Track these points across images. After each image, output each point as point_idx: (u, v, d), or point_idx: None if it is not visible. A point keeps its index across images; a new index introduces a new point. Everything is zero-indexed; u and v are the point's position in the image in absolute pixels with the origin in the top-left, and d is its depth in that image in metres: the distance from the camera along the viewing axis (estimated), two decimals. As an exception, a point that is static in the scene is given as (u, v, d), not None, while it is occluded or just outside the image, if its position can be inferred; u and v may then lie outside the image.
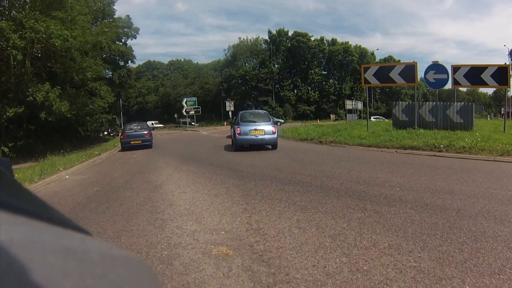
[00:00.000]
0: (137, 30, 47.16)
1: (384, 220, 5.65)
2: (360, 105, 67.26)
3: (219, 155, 16.79)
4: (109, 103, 33.02)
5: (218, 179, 9.82)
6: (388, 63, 23.65)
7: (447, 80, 22.39)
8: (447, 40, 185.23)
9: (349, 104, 59.96)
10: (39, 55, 23.25)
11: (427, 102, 22.51)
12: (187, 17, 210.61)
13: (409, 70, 22.39)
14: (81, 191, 9.65)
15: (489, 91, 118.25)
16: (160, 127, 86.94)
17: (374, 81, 23.51)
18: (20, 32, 19.71)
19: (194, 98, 65.65)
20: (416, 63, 22.50)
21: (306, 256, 4.28)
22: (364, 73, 23.64)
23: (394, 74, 22.55)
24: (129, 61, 47.51)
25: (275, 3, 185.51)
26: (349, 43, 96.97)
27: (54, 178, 12.62)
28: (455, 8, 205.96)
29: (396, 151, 16.08)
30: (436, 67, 22.50)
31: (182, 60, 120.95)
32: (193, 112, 61.35)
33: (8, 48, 19.60)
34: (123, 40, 45.22)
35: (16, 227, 0.39)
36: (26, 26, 19.56)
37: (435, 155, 14.36)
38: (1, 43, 19.23)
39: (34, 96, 20.29)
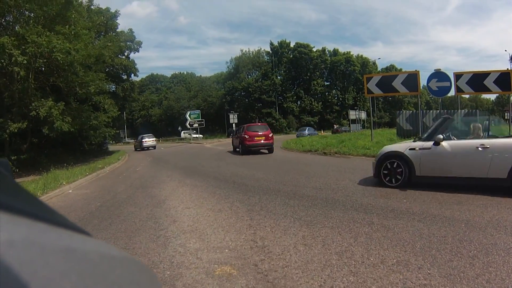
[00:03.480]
0: (139, 43, 47.38)
1: (391, 234, 5.52)
2: (363, 115, 66.95)
3: (223, 168, 16.64)
4: (112, 117, 32.84)
5: (222, 193, 9.69)
6: (391, 72, 23.25)
7: (450, 87, 22.25)
8: (448, 47, 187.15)
9: (352, 114, 59.80)
10: (43, 69, 23.16)
11: (431, 111, 22.36)
12: (190, 30, 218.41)
13: (412, 79, 22.32)
14: (84, 206, 9.52)
15: (492, 96, 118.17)
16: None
17: (377, 91, 23.42)
18: (23, 47, 19.69)
19: (198, 111, 65.78)
20: (419, 71, 22.40)
21: (312, 276, 4.13)
22: (367, 83, 23.57)
23: (397, 83, 22.47)
24: (132, 75, 47.52)
25: (277, 15, 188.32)
26: (351, 53, 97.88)
27: (57, 193, 12.48)
28: (456, 15, 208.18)
29: (401, 162, 15.94)
30: (439, 75, 22.38)
31: (185, 73, 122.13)
32: (196, 125, 61.32)
33: (10, 66, 19.56)
34: (126, 54, 45.38)
35: (17, 228, 0.39)
36: (28, 41, 19.54)
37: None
38: (2, 60, 19.16)
39: (37, 111, 20.24)
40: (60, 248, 0.41)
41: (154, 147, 44.50)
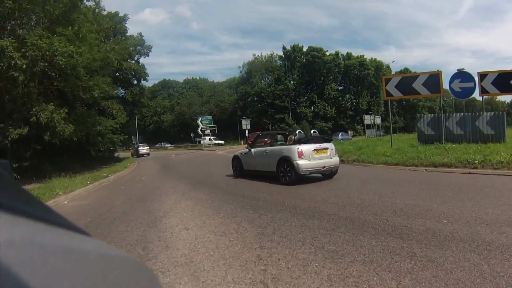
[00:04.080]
0: (149, 47, 46.55)
1: (443, 273, 4.14)
2: (378, 120, 65.23)
3: (233, 178, 15.48)
4: (121, 123, 31.83)
5: (229, 210, 8.46)
6: (411, 73, 21.65)
7: (473, 88, 20.87)
8: (462, 50, 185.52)
9: (367, 119, 58.17)
10: (49, 73, 22.16)
11: (454, 114, 20.91)
12: (202, 36, 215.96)
13: (434, 79, 20.87)
14: (73, 221, 8.24)
15: (507, 98, 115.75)
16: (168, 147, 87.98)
17: (396, 93, 22.03)
18: (23, 50, 18.72)
19: (210, 117, 64.70)
20: (441, 72, 20.94)
21: None
22: (386, 85, 22.21)
23: (418, 85, 21.09)
24: (142, 79, 46.71)
25: (289, 20, 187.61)
26: (364, 56, 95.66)
27: (51, 204, 11.42)
28: (468, 17, 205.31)
29: (426, 170, 14.63)
30: (462, 75, 20.97)
31: (198, 78, 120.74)
32: (208, 131, 60.26)
33: (10, 70, 18.60)
34: (135, 58, 44.67)
35: (16, 228, 0.39)
36: (28, 44, 18.53)
37: (470, 173, 12.92)
38: (1, 63, 18.15)
39: (38, 116, 19.17)
40: (59, 248, 0.42)
41: (148, 154, 51.60)
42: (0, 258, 0.34)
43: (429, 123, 21.44)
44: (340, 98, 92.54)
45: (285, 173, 12.75)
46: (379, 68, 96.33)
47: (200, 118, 63.07)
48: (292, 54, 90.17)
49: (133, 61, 42.62)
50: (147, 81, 49.69)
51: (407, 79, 22.09)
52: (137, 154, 49.67)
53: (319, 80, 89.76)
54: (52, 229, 0.46)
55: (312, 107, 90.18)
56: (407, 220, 6.53)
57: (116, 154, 44.43)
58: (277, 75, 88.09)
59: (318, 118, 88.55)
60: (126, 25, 40.28)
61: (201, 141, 67.82)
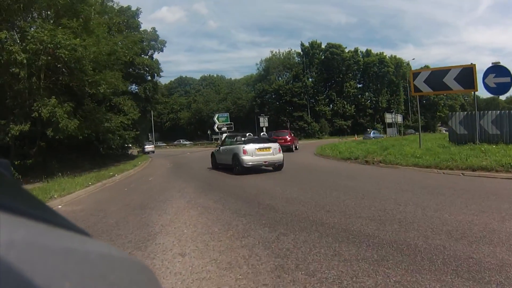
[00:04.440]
0: (163, 43, 45.22)
1: None
2: (399, 118, 63.06)
3: (248, 180, 13.95)
4: (133, 119, 30.61)
5: (240, 225, 6.86)
6: (441, 67, 19.63)
7: (510, 84, 18.95)
8: (481, 48, 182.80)
9: (388, 118, 56.05)
10: (55, 66, 20.85)
11: (490, 112, 19.07)
12: (220, 33, 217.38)
13: (467, 73, 19.00)
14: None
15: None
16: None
17: (425, 89, 20.25)
18: (24, 44, 17.52)
19: (226, 114, 63.13)
20: (475, 65, 19.06)
21: None
22: (414, 80, 20.44)
23: (449, 80, 19.27)
24: (156, 75, 45.51)
25: (307, 18, 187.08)
26: (384, 54, 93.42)
27: (43, 209, 9.93)
28: (488, 15, 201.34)
29: (463, 174, 12.95)
30: (497, 69, 18.98)
31: (215, 75, 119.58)
32: (225, 128, 58.71)
33: (11, 66, 17.41)
34: (149, 53, 43.47)
35: (17, 229, 0.39)
36: (28, 37, 17.29)
37: (515, 178, 11.18)
38: (0, 56, 16.94)
39: (39, 111, 17.87)
40: (60, 248, 0.42)
41: (153, 151, 55.50)
42: (0, 259, 0.34)
43: (461, 121, 19.66)
44: (359, 96, 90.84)
45: (235, 165, 16.93)
46: (399, 65, 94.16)
47: (217, 115, 61.52)
48: (310, 51, 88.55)
49: (147, 57, 41.26)
50: (160, 77, 48.16)
51: (437, 73, 20.17)
52: (143, 152, 52.22)
53: (338, 78, 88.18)
54: (52, 229, 0.46)
55: (331, 105, 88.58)
56: (470, 247, 4.88)
57: (129, 152, 43.70)
58: (295, 72, 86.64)
59: (337, 116, 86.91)
60: (139, 19, 39.02)
61: (218, 139, 66.44)
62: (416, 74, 20.69)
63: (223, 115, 62.35)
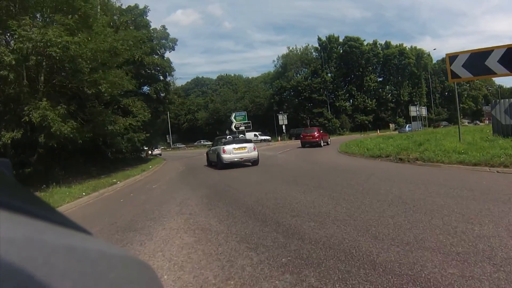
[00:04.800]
0: (174, 41, 43.66)
1: None
2: (424, 111, 60.16)
3: (265, 187, 11.86)
4: (143, 121, 29.01)
5: (248, 266, 4.72)
6: (482, 48, 16.81)
7: None
8: (500, 36, 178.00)
9: (413, 111, 53.22)
10: (49, 68, 19.12)
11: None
12: (235, 34, 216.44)
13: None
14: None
15: None
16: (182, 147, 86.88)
17: (464, 74, 17.77)
18: (13, 42, 15.87)
19: (244, 113, 61.24)
20: (522, 43, 16.61)
21: None
22: (450, 65, 18.03)
23: (492, 62, 16.63)
24: (167, 75, 43.99)
25: (322, 15, 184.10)
26: (404, 45, 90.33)
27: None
28: (505, 2, 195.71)
29: (524, 172, 10.76)
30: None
31: (232, 75, 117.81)
32: (243, 127, 56.81)
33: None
34: (159, 52, 41.96)
35: (17, 227, 0.40)
36: (15, 36, 15.61)
37: None
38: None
39: (30, 115, 16.07)
40: (60, 246, 0.42)
41: (160, 154, 54.13)
42: (1, 257, 0.34)
43: (507, 110, 17.33)
44: (380, 90, 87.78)
45: (217, 162, 21.04)
46: (419, 56, 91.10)
47: (234, 114, 59.65)
48: (328, 45, 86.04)
49: (157, 56, 39.62)
50: (172, 77, 46.71)
51: (477, 55, 17.51)
52: (152, 155, 50.09)
53: (357, 72, 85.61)
54: (53, 227, 0.46)
55: (351, 100, 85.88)
56: None
57: (144, 154, 42.86)
58: (313, 68, 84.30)
59: (358, 111, 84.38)
60: (147, 17, 37.69)
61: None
62: (453, 57, 18.24)
63: (241, 114, 60.47)
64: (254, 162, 21.41)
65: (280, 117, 57.90)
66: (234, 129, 57.13)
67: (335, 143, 37.69)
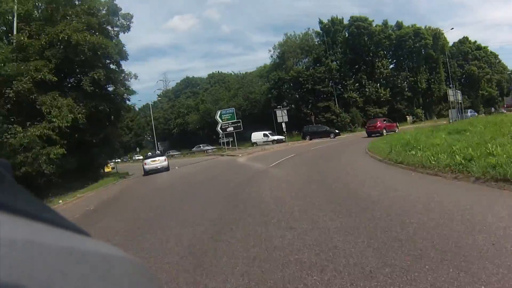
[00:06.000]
0: (128, 17, 32.69)
1: None
2: (459, 96, 47.99)
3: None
4: (58, 127, 18.41)
5: None
6: None
7: None
8: (499, 25, 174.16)
9: (451, 95, 41.71)
10: None
11: None
12: (234, 37, 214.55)
13: None
14: None
15: None
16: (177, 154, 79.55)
17: None
18: None
19: (231, 110, 49.77)
20: None
21: None
22: None
23: None
24: (120, 60, 33.46)
25: (321, 14, 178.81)
26: (417, 25, 78.13)
27: None
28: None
29: None
30: None
31: (225, 72, 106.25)
32: (231, 128, 45.61)
33: None
34: (112, 32, 32.18)
35: (17, 228, 0.40)
36: None
37: None
38: None
39: None
40: (60, 248, 0.42)
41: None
42: (1, 258, 0.35)
43: None
44: (394, 77, 75.75)
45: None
46: (437, 37, 78.48)
47: (219, 112, 48.40)
48: (331, 29, 73.83)
49: (97, 35, 28.06)
50: (126, 60, 35.43)
51: None
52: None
53: (367, 57, 73.75)
54: (52, 229, 0.47)
55: (361, 90, 73.85)
56: None
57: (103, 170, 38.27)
58: (315, 55, 72.32)
59: (370, 103, 72.39)
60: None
61: (223, 142, 52.33)
62: None
63: (228, 111, 49.09)
64: (166, 169, 32.30)
65: (278, 113, 46.93)
66: (220, 130, 46.13)
67: (353, 144, 32.98)
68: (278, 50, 75.71)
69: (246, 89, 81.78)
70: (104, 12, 30.40)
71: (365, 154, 21.11)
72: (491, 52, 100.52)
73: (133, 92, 37.05)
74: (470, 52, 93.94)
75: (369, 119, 57.13)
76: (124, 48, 32.72)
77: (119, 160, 74.73)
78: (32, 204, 0.50)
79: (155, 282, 0.59)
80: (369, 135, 41.92)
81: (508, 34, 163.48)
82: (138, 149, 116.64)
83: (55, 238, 0.43)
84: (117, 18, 32.11)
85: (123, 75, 34.24)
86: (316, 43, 76.10)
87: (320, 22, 75.48)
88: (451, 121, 42.69)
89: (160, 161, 32.44)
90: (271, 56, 77.72)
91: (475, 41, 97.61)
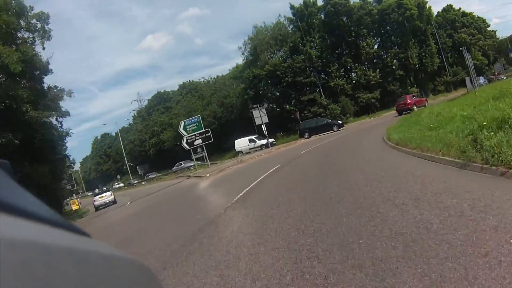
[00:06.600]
0: (43, 17, 25.96)
1: None
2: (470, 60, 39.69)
3: None
4: None
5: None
6: None
7: None
8: None
9: (467, 58, 33.63)
10: None
11: None
12: (209, 48, 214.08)
13: None
14: None
15: None
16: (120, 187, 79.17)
17: None
18: None
19: (197, 118, 40.86)
20: None
21: None
22: None
23: None
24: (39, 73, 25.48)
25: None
26: (399, -5, 69.82)
27: None
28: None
29: None
30: None
31: (197, 80, 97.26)
32: (199, 141, 36.88)
33: None
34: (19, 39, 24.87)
35: (18, 229, 0.40)
36: None
37: None
38: None
39: None
40: (60, 248, 0.42)
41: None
42: (0, 259, 0.34)
43: None
44: (382, 56, 68.10)
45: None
46: (421, 7, 70.36)
47: (182, 124, 39.54)
48: (305, 12, 65.21)
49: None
50: (47, 74, 27.41)
51: None
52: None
53: (349, 38, 65.44)
54: (53, 230, 0.47)
55: (348, 75, 65.53)
56: None
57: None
58: (291, 44, 63.57)
59: (359, 88, 64.02)
60: None
61: (196, 158, 43.76)
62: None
63: (193, 121, 40.19)
64: (113, 202, 35.64)
65: (255, 113, 38.33)
66: (186, 145, 37.34)
67: (356, 135, 27.67)
68: (250, 45, 66.89)
69: (220, 94, 72.83)
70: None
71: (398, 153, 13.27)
72: (478, 17, 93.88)
73: (66, 113, 29.49)
74: (457, 19, 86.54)
75: (296, 122, 55.07)
76: (44, 59, 24.24)
77: (97, 190, 68.47)
78: (32, 204, 0.50)
79: (155, 283, 0.59)
80: (400, 113, 41.25)
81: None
82: (118, 176, 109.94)
83: (55, 238, 0.43)
84: (25, 19, 23.72)
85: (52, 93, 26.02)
86: (291, 30, 67.53)
87: (292, 7, 66.59)
88: (472, 89, 36.27)
89: (107, 196, 36.78)
90: (242, 53, 68.93)
91: (460, 8, 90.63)
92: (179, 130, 39.93)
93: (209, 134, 37.35)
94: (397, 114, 41.53)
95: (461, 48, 40.48)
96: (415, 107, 40.23)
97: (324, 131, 44.10)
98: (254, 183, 15.18)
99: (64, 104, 50.79)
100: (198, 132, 37.46)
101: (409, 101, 42.70)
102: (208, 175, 26.73)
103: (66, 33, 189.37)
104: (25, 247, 0.37)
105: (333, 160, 15.82)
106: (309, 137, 43.56)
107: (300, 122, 51.10)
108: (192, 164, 59.41)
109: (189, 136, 37.57)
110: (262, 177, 16.38)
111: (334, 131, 42.51)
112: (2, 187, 0.48)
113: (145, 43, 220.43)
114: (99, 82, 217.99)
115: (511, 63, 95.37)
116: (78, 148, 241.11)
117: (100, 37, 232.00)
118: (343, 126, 44.37)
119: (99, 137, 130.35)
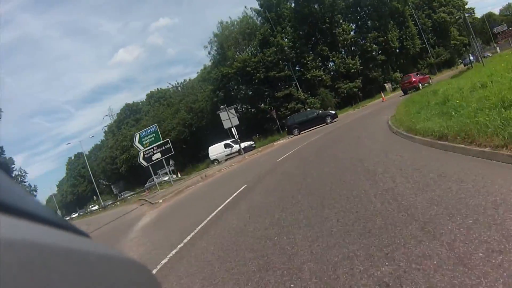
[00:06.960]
0: None
1: None
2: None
3: None
4: None
5: None
6: None
7: None
8: None
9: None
10: None
11: None
12: (182, 57, 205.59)
13: None
14: None
15: None
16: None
17: None
18: None
19: (153, 128, 34.10)
20: None
21: None
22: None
23: None
24: None
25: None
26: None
27: None
28: None
29: None
30: None
31: (164, 87, 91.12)
32: (158, 155, 30.66)
33: None
34: None
35: (16, 229, 0.40)
36: None
37: None
38: None
39: None
40: (59, 249, 0.42)
41: None
42: (0, 259, 0.34)
43: None
44: (361, 42, 63.10)
45: None
46: (396, -13, 65.68)
47: (137, 136, 33.07)
48: (273, 1, 59.46)
49: None
50: None
51: None
52: None
53: (323, 25, 59.78)
54: (52, 230, 0.47)
55: (326, 65, 60.51)
56: None
57: None
58: (261, 36, 57.87)
59: (339, 78, 59.01)
60: None
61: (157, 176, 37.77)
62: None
63: (149, 131, 33.37)
64: None
65: (223, 115, 32.40)
66: (143, 162, 31.00)
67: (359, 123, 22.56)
68: (216, 43, 60.88)
69: (188, 99, 66.64)
70: None
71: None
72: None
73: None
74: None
75: (341, 96, 55.58)
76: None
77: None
78: (32, 204, 0.50)
79: (155, 283, 0.59)
80: (405, 92, 41.23)
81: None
82: (94, 198, 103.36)
83: (55, 239, 0.43)
84: None
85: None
86: (259, 23, 61.92)
87: (257, -3, 60.73)
88: (469, 65, 38.68)
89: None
90: (209, 53, 62.78)
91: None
92: (134, 144, 33.43)
93: (168, 145, 30.90)
94: (402, 94, 41.50)
95: (460, 13, 35.36)
96: (420, 85, 39.94)
97: (316, 124, 38.37)
98: (198, 228, 9.06)
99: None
100: (156, 144, 31.12)
101: (413, 79, 41.99)
102: (161, 201, 20.49)
103: (35, 54, 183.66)
104: (25, 248, 0.37)
105: (323, 173, 9.80)
106: (299, 134, 38.05)
107: (288, 118, 44.90)
108: (167, 178, 53.00)
109: (146, 151, 31.24)
110: (215, 212, 10.21)
111: (327, 124, 37.07)
112: (2, 187, 0.47)
113: (117, 57, 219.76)
114: (74, 101, 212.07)
115: (487, 43, 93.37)
116: (57, 171, 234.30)
117: (71, 55, 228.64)
118: (337, 117, 38.34)
119: (72, 158, 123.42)
